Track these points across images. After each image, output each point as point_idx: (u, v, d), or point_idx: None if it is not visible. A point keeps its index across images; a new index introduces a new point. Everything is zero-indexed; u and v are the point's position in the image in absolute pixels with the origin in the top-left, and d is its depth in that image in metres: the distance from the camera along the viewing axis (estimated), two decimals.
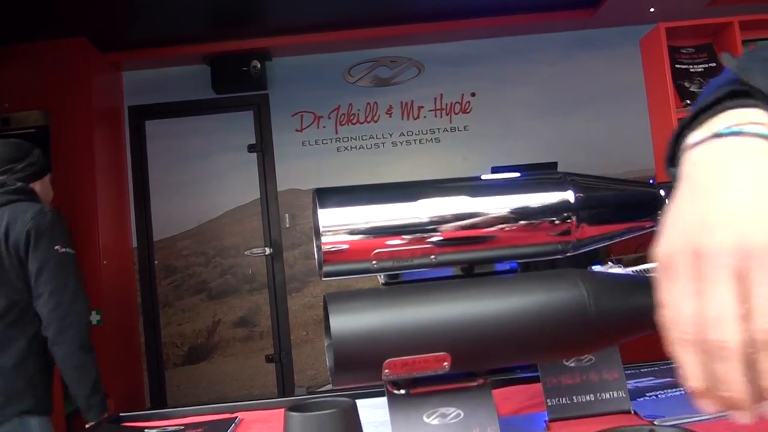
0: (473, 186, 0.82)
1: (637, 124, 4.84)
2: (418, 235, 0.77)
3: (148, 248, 5.17)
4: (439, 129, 5.35)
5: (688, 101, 3.44)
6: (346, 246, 0.76)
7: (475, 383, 0.86)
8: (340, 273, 0.78)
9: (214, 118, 5.31)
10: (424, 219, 0.78)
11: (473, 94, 5.37)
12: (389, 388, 0.84)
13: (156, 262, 5.19)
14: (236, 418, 1.29)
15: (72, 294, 2.38)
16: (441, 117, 5.36)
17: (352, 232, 0.76)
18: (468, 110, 5.36)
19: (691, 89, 3.50)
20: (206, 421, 1.29)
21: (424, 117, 5.36)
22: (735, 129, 0.51)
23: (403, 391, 0.84)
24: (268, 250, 5.21)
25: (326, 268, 0.77)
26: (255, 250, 5.23)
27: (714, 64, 3.59)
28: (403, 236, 0.77)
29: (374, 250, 0.77)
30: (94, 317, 4.32)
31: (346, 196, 0.78)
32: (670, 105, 3.41)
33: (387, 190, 0.82)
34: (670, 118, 3.41)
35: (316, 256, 0.84)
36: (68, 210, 4.34)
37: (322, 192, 0.81)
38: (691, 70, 3.57)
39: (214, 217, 5.20)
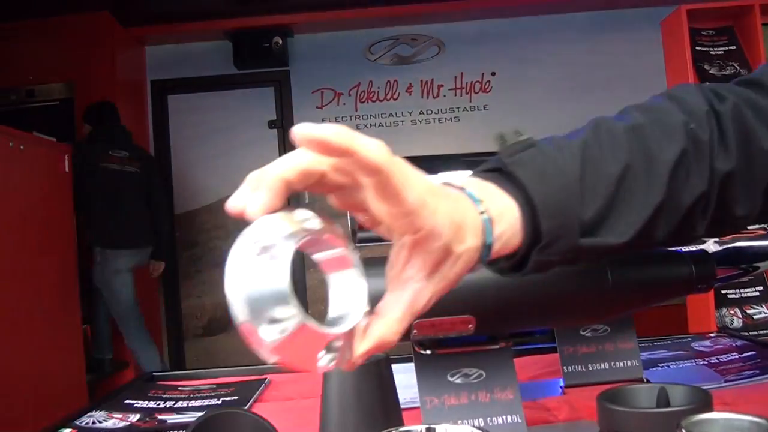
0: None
1: None
2: None
3: (169, 221, 5.24)
4: (458, 108, 5.37)
5: (708, 84, 3.45)
6: None
7: (497, 346, 0.91)
8: (374, 239, 0.83)
9: (235, 93, 5.36)
10: None
11: (493, 74, 5.38)
12: (416, 349, 0.90)
13: (177, 234, 5.26)
14: (266, 379, 1.35)
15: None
16: (461, 96, 5.38)
17: None
18: (488, 89, 5.38)
19: (711, 71, 3.51)
20: (237, 381, 1.35)
21: (444, 96, 5.38)
22: (476, 200, 0.58)
23: (429, 352, 0.89)
24: None
25: (361, 234, 0.82)
26: None
27: (734, 47, 3.59)
28: None
29: None
30: None
31: None
32: None
33: (415, 161, 0.86)
34: None
35: (349, 225, 0.89)
36: None
37: None
38: (712, 52, 3.57)
39: (234, 192, 5.25)
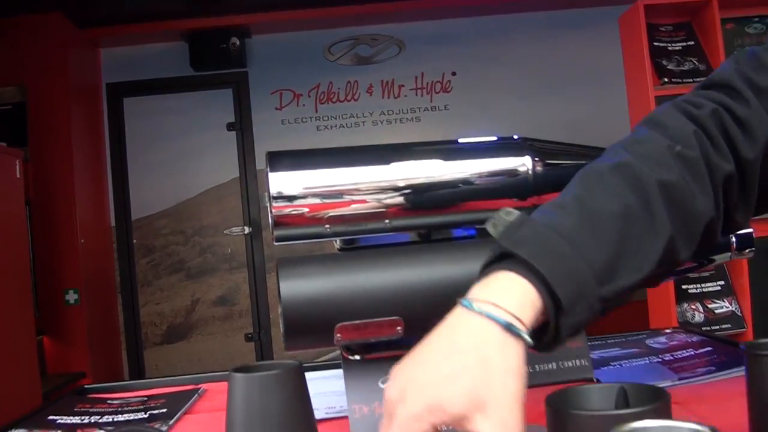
0: (428, 150, 0.81)
1: (617, 103, 4.82)
2: (371, 199, 0.76)
3: (126, 227, 5.14)
4: (419, 108, 5.32)
5: (666, 79, 3.44)
6: (298, 210, 0.75)
7: None
8: (292, 237, 0.77)
9: (192, 95, 5.26)
10: (378, 183, 0.77)
11: (454, 74, 5.34)
12: (344, 354, 0.84)
13: (134, 241, 5.15)
14: (200, 389, 1.28)
15: None
16: (422, 96, 5.34)
17: (304, 196, 0.75)
18: (449, 89, 5.34)
19: (668, 67, 3.50)
20: (169, 392, 1.28)
21: (405, 96, 5.33)
22: (468, 302, 0.61)
23: (357, 357, 0.83)
24: (247, 229, 5.19)
25: (278, 233, 0.76)
26: (234, 229, 5.21)
27: (692, 43, 3.58)
28: (356, 200, 0.76)
29: (327, 214, 0.76)
30: (72, 296, 4.29)
31: (299, 160, 0.77)
32: (647, 83, 3.41)
33: (341, 154, 0.81)
34: (647, 95, 3.40)
35: (270, 221, 0.82)
36: (45, 188, 4.30)
37: (274, 155, 0.80)
38: (670, 48, 3.56)
39: (192, 196, 5.17)
